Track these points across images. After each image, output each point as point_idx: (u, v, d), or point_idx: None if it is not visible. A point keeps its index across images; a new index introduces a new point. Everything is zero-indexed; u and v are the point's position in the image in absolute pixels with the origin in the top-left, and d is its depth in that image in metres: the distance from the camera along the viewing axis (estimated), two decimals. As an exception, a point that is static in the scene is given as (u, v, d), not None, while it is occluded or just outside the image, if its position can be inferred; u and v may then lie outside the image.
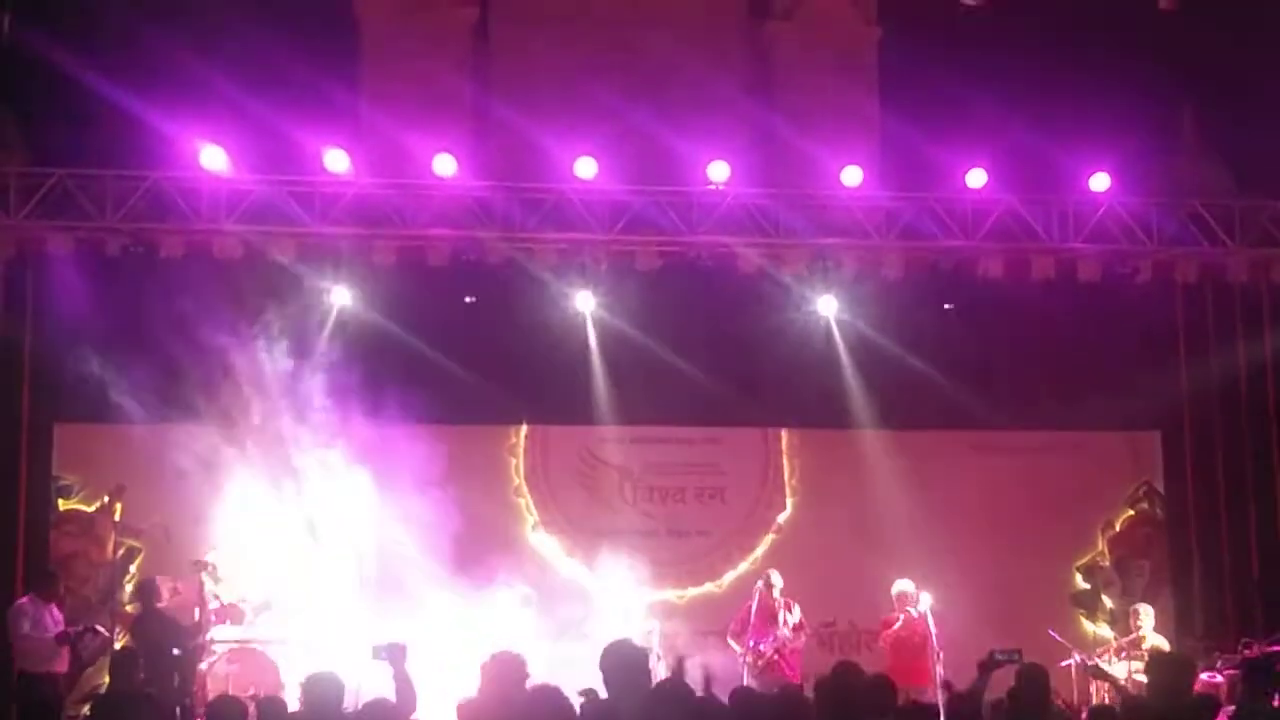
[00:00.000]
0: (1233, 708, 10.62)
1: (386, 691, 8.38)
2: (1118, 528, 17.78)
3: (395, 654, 8.44)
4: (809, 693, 9.13)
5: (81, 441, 16.16)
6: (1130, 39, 15.96)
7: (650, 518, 17.25)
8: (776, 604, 15.10)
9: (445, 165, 15.41)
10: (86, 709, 13.31)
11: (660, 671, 14.07)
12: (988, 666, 9.29)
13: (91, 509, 16.25)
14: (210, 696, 12.92)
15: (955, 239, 16.07)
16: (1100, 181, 16.05)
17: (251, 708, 9.10)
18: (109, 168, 15.14)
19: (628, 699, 7.40)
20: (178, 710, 13.25)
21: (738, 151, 15.92)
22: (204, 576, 14.16)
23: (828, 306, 16.55)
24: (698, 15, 16.72)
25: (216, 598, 14.25)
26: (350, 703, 8.69)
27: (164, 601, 14.31)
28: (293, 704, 9.94)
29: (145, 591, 14.45)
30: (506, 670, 8.43)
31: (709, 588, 17.12)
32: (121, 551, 16.16)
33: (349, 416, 15.36)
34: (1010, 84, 15.71)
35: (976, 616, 15.62)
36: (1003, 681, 9.46)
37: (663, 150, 15.73)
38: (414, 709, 8.40)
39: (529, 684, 8.21)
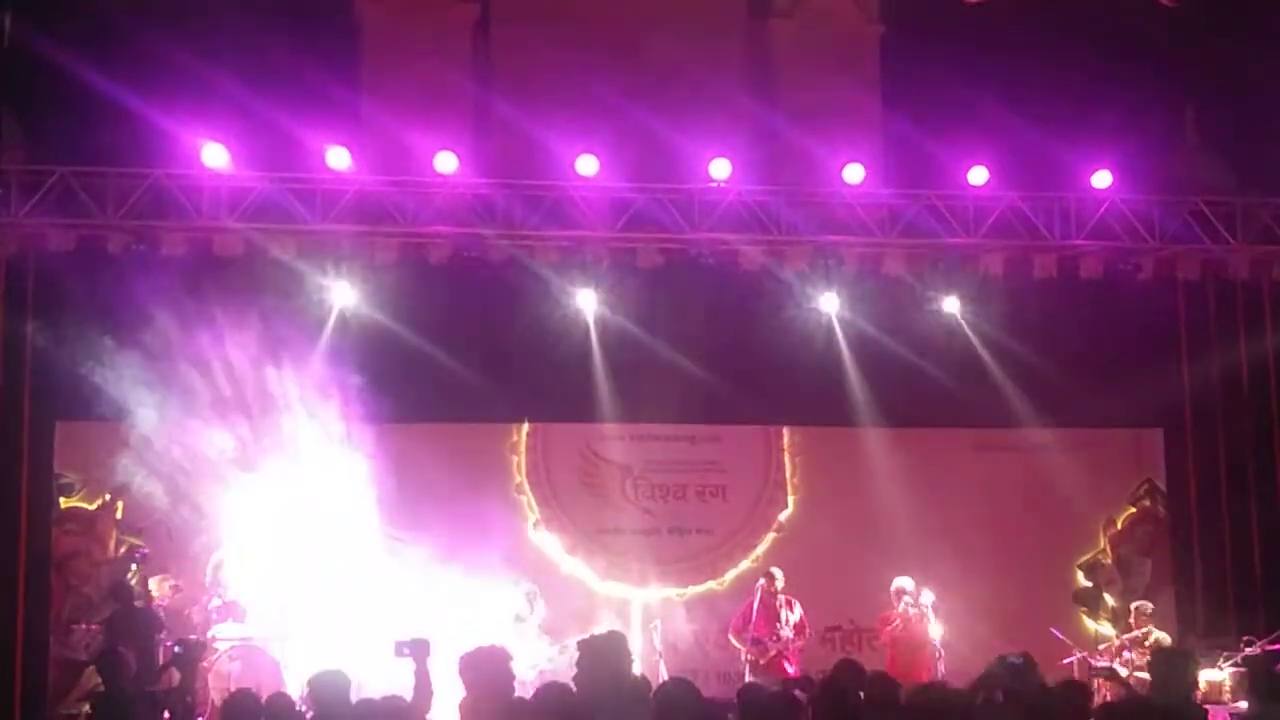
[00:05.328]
0: (1240, 705, 10.61)
1: (391, 688, 8.32)
2: (1119, 525, 17.77)
3: (419, 651, 8.38)
4: (813, 690, 9.10)
5: (83, 439, 16.12)
6: (1132, 36, 15.94)
7: (651, 515, 17.22)
8: (778, 602, 15.16)
9: (446, 163, 15.38)
10: (87, 707, 13.30)
11: (662, 670, 14.14)
12: (998, 676, 9.03)
13: (93, 507, 16.22)
14: (212, 694, 12.93)
15: (957, 236, 16.05)
16: (1102, 179, 16.04)
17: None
18: (110, 165, 15.11)
19: (604, 695, 7.34)
20: (180, 708, 13.24)
21: (739, 149, 15.90)
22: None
23: (829, 304, 16.52)
24: (699, 12, 16.67)
25: (219, 595, 14.24)
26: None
27: (167, 599, 14.28)
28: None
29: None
30: (489, 665, 7.96)
31: (710, 585, 17.09)
32: (123, 549, 16.15)
33: (351, 415, 15.37)
34: (1012, 81, 15.70)
35: (978, 614, 15.66)
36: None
37: (664, 147, 15.69)
38: (429, 708, 8.33)
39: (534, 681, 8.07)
